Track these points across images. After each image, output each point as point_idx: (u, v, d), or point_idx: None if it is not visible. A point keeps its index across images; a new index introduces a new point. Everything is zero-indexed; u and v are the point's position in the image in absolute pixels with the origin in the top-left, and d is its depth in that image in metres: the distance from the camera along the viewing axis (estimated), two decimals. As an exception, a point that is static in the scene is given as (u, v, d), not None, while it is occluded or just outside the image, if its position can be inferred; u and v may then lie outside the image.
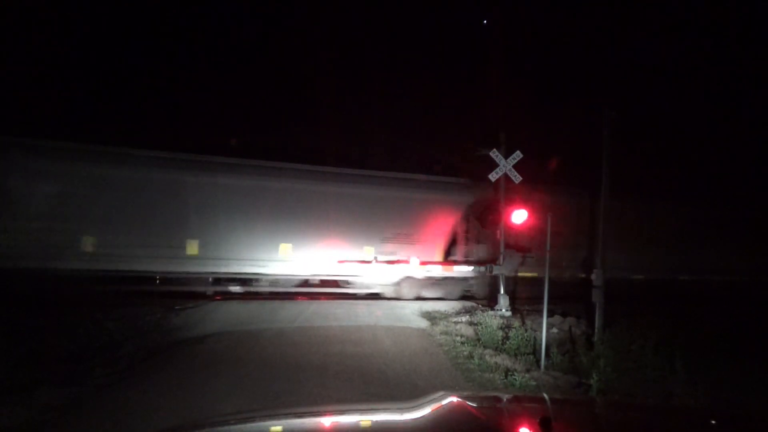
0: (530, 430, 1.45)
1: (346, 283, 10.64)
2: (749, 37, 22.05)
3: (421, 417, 1.55)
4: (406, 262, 10.47)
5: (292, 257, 9.95)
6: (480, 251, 11.11)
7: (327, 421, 1.61)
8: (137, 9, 16.70)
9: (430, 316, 8.78)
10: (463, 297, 11.15)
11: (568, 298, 9.71)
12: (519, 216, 8.18)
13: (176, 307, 8.45)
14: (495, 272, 9.50)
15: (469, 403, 1.68)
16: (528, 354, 6.19)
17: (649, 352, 5.48)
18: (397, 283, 10.73)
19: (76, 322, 6.59)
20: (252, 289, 10.18)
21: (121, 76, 15.71)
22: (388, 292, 10.77)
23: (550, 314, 7.87)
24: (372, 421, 1.67)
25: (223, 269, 9.69)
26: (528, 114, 15.91)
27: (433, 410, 1.59)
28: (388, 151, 14.15)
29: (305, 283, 10.59)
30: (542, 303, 6.07)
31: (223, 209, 9.52)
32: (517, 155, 8.88)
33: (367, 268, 10.29)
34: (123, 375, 4.88)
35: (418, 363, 5.64)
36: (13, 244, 8.34)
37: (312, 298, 10.41)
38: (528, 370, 5.49)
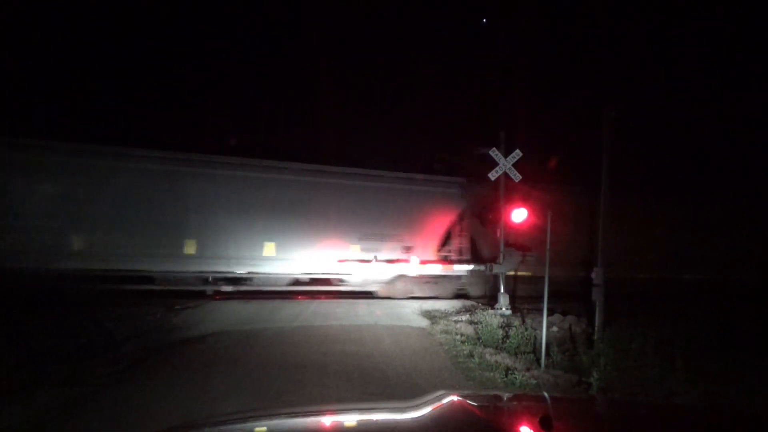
0: (531, 429, 1.45)
1: (341, 282, 10.61)
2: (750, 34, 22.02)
3: (421, 416, 1.54)
4: (406, 261, 10.46)
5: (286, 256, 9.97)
6: (481, 250, 11.12)
7: (327, 420, 1.60)
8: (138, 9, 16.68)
9: (430, 315, 8.77)
10: (459, 296, 11.15)
11: (569, 297, 9.70)
12: (519, 214, 8.19)
13: (176, 307, 8.45)
14: (495, 271, 9.50)
15: (470, 402, 1.68)
16: (528, 353, 6.20)
17: (650, 351, 5.47)
18: (395, 282, 10.71)
19: (76, 322, 6.59)
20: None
21: (126, 76, 15.73)
22: (387, 290, 10.75)
23: (551, 313, 7.88)
24: (372, 420, 1.67)
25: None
26: (528, 113, 15.91)
27: (433, 409, 1.59)
28: (388, 150, 14.16)
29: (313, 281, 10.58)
30: (542, 301, 6.06)
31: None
32: (517, 154, 8.87)
33: (368, 267, 10.29)
34: (123, 375, 4.87)
35: (419, 362, 5.64)
36: (13, 244, 8.34)
37: (312, 298, 10.41)
38: (528, 369, 5.49)
